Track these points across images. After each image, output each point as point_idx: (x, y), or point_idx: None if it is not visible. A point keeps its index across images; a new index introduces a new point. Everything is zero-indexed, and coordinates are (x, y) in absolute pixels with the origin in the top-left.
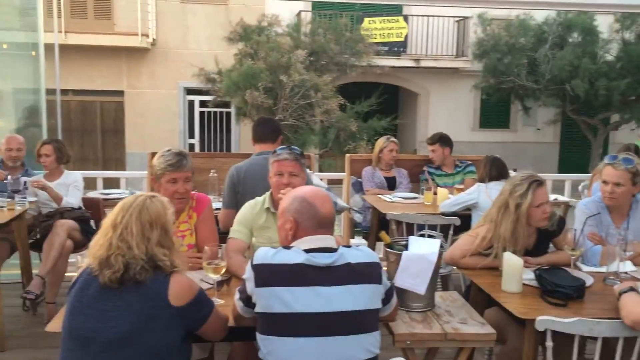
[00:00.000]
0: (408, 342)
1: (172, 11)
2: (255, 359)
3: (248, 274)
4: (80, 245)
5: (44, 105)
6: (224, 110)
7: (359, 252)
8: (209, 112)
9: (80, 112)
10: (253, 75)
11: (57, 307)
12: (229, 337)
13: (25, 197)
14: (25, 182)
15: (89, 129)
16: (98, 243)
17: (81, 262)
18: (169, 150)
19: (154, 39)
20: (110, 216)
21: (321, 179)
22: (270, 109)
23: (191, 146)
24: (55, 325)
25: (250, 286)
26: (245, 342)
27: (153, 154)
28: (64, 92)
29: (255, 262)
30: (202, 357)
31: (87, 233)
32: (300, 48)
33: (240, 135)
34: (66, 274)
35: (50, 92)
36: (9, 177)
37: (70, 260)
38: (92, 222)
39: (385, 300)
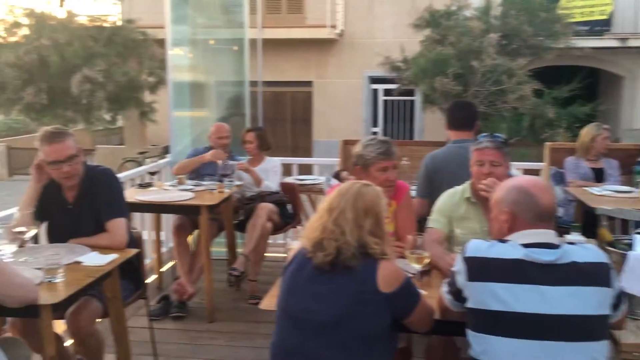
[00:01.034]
0: (635, 353)
1: (360, 2)
2: (453, 354)
3: (459, 267)
4: (278, 228)
5: (247, 96)
6: (408, 98)
7: (586, 250)
8: (393, 101)
9: (272, 102)
10: (442, 62)
11: (258, 285)
12: (433, 330)
13: (232, 181)
14: (233, 167)
15: (280, 118)
16: (313, 225)
17: (291, 243)
18: (374, 139)
19: (341, 30)
20: (327, 200)
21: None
22: (460, 96)
23: (374, 134)
24: (268, 303)
25: (461, 279)
26: (445, 336)
27: (346, 142)
28: (256, 83)
29: (467, 255)
30: (400, 346)
31: (285, 216)
32: (491, 31)
33: (424, 124)
34: (265, 254)
35: (243, 84)
36: (220, 161)
37: (268, 241)
38: (288, 206)
39: (615, 306)
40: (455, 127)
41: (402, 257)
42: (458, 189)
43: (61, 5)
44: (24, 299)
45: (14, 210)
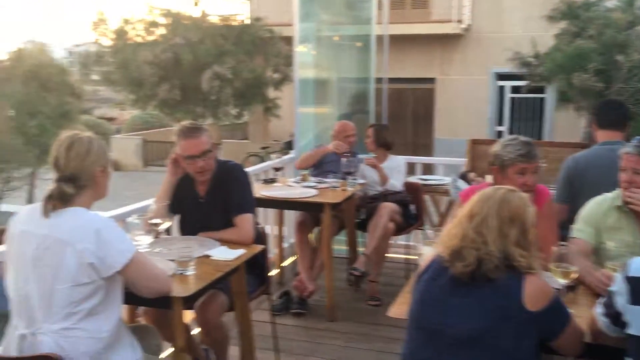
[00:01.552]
0: None
1: None
2: None
3: (619, 287)
4: (400, 228)
5: (372, 93)
6: (538, 96)
7: None
8: (520, 99)
9: (393, 99)
10: (582, 56)
11: (379, 286)
12: (584, 354)
13: (355, 179)
14: (357, 164)
15: (400, 116)
16: (451, 232)
17: (422, 249)
18: (515, 139)
19: (468, 25)
20: (467, 206)
21: None
22: (601, 93)
23: (499, 133)
24: (397, 310)
25: (621, 301)
26: None
27: (474, 141)
28: (380, 80)
29: (631, 274)
30: None
31: (407, 217)
32: (636, 23)
33: (555, 123)
34: (386, 255)
35: (368, 80)
36: (343, 159)
37: (390, 242)
38: (411, 207)
39: None
40: (605, 126)
41: (546, 269)
42: (608, 196)
43: (196, 5)
44: (158, 290)
45: (150, 202)
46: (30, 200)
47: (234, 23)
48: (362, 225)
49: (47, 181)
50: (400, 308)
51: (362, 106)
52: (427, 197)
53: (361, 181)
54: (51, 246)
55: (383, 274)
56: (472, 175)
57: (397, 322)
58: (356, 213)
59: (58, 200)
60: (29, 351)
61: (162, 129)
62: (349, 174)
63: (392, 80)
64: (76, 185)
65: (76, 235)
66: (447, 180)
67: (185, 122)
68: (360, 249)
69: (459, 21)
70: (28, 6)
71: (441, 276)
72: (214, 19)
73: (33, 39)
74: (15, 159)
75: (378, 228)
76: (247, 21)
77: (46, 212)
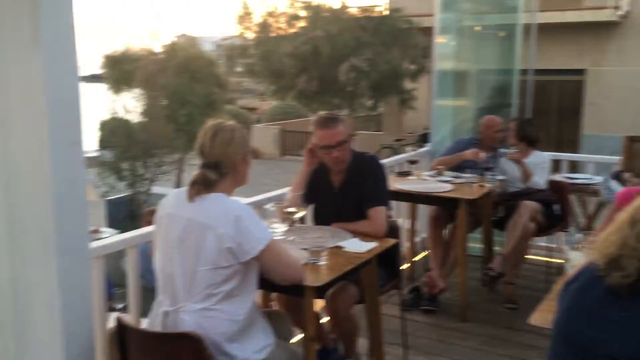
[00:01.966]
0: None
1: None
2: None
3: None
4: (542, 229)
5: (515, 85)
6: None
7: None
8: None
9: (536, 92)
10: None
11: (515, 288)
12: None
13: (495, 175)
14: (497, 159)
15: (544, 109)
16: (609, 238)
17: (569, 254)
18: None
19: (626, 12)
20: (629, 210)
21: None
22: None
23: None
24: (540, 318)
25: None
26: None
27: (632, 138)
28: (525, 71)
29: None
30: None
31: (550, 217)
32: None
33: None
34: (526, 257)
35: (512, 72)
36: (481, 154)
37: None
38: (555, 207)
39: None
40: None
41: None
42: None
43: None
44: (291, 278)
45: (285, 190)
46: (178, 183)
47: (372, 14)
48: (500, 224)
49: (193, 166)
50: (543, 316)
51: (503, 99)
52: (573, 197)
53: (501, 177)
54: (194, 229)
55: (521, 276)
56: (627, 175)
57: (535, 328)
58: (494, 210)
59: (202, 186)
60: (172, 327)
61: (299, 119)
62: (488, 169)
63: (536, 71)
64: (219, 172)
65: (217, 220)
66: (597, 179)
67: (323, 113)
68: (497, 248)
69: (616, 7)
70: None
71: (594, 286)
72: (353, 10)
73: (185, 33)
74: (166, 145)
75: (517, 227)
76: (386, 12)
77: (191, 197)
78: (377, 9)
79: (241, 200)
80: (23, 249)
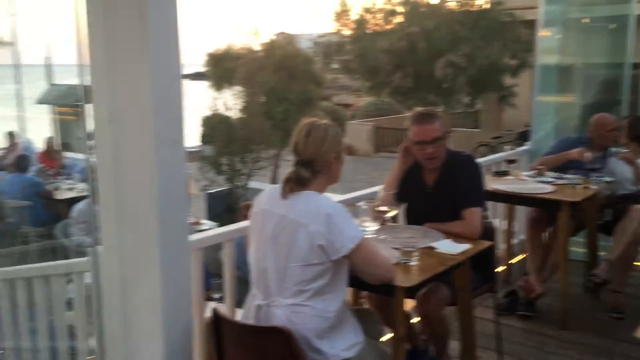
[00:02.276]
0: None
1: None
2: None
3: None
4: None
5: (627, 80)
6: None
7: None
8: None
9: None
10: None
11: (622, 298)
12: None
13: (601, 176)
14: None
15: None
16: None
17: None
18: None
19: None
20: None
21: None
22: None
23: None
24: None
25: None
26: None
27: None
28: (637, 66)
29: None
30: None
31: None
32: None
33: None
34: (635, 264)
35: (622, 66)
36: (587, 154)
37: None
38: None
39: None
40: None
41: None
42: None
43: None
44: (382, 277)
45: (377, 188)
46: (274, 179)
47: (472, 8)
48: (606, 228)
49: (289, 162)
50: None
51: (612, 95)
52: None
53: (608, 179)
54: (287, 226)
55: (628, 285)
56: None
57: None
58: (600, 214)
59: (295, 183)
60: (264, 321)
61: (393, 116)
62: (594, 170)
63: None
64: (312, 170)
65: (309, 218)
66: None
67: (420, 108)
68: (602, 254)
69: None
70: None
71: None
72: (452, 5)
73: (283, 31)
74: (263, 141)
75: (627, 232)
76: (487, 5)
77: (284, 194)
78: (477, 2)
79: (333, 198)
80: (129, 243)
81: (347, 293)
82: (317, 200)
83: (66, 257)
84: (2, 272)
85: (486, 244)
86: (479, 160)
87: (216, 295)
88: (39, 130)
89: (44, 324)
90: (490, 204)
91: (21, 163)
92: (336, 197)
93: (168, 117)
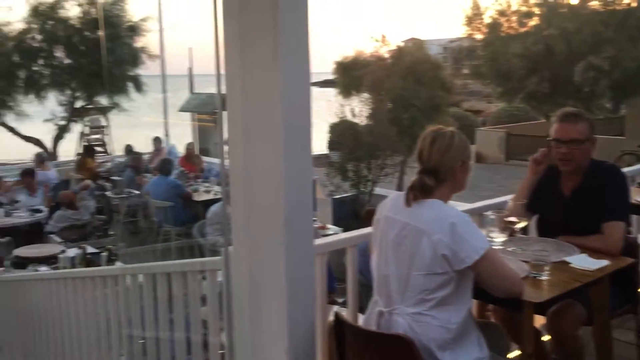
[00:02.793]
0: None
1: None
2: None
3: None
4: None
5: None
6: None
7: None
8: None
9: None
10: None
11: None
12: None
13: None
14: None
15: None
16: None
17: None
18: None
19: None
20: None
21: None
22: None
23: None
24: None
25: None
26: None
27: None
28: None
29: None
30: None
31: None
32: None
33: None
34: None
35: None
36: None
37: None
38: None
39: None
40: None
41: None
42: None
43: None
44: (509, 290)
45: (506, 198)
46: (399, 186)
47: (618, 7)
48: None
49: (415, 169)
50: None
51: None
52: None
53: None
54: (410, 234)
55: None
56: None
57: None
58: None
59: (419, 191)
60: (385, 328)
61: (527, 123)
62: None
63: None
64: (436, 178)
65: (432, 226)
66: None
67: (570, 108)
68: None
69: None
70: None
71: None
72: (594, 4)
73: (413, 36)
74: (390, 147)
75: None
76: (634, 4)
77: (408, 201)
78: (624, 0)
79: (459, 207)
80: (257, 244)
81: (472, 305)
82: (441, 209)
83: (202, 255)
84: (145, 267)
85: (628, 261)
86: (624, 170)
87: (339, 299)
88: (181, 136)
89: (181, 317)
90: (634, 219)
91: (165, 166)
92: (462, 206)
93: (297, 123)
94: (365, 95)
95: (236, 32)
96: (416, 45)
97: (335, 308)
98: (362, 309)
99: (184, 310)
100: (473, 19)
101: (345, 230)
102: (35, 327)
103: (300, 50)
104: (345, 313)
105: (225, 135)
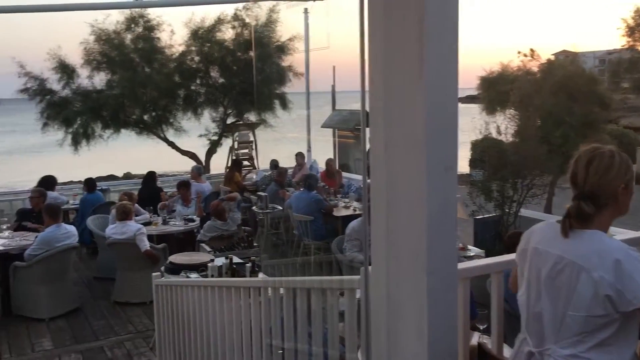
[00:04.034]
0: None
1: None
2: None
3: None
4: None
5: None
6: None
7: None
8: None
9: None
10: None
11: None
12: None
13: None
14: None
15: None
16: None
17: None
18: None
19: None
20: None
21: None
22: None
23: None
24: None
25: None
26: None
27: None
28: None
29: None
30: None
31: None
32: None
33: None
34: None
35: None
36: None
37: None
38: None
39: None
40: None
41: None
42: None
43: None
44: None
45: None
46: (548, 208)
47: None
48: None
49: (565, 190)
50: None
51: None
52: None
53: None
54: (565, 268)
55: None
56: None
57: None
58: None
59: (576, 220)
60: None
61: None
62: None
63: None
64: (595, 204)
65: (592, 262)
66: None
67: None
68: None
69: None
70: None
71: None
72: None
73: (565, 48)
74: (538, 166)
75: None
76: None
77: (564, 231)
78: None
79: (620, 235)
80: (397, 264)
81: (637, 347)
82: (603, 242)
83: (339, 270)
84: (286, 280)
85: None
86: None
87: (481, 326)
88: (322, 151)
89: (319, 332)
90: None
91: (309, 181)
92: (623, 233)
93: (442, 142)
94: (512, 111)
95: (381, 48)
96: (569, 58)
97: (477, 335)
98: (506, 338)
99: (322, 325)
100: (636, 28)
101: (487, 252)
102: (186, 328)
103: (447, 65)
104: (488, 342)
105: (367, 151)
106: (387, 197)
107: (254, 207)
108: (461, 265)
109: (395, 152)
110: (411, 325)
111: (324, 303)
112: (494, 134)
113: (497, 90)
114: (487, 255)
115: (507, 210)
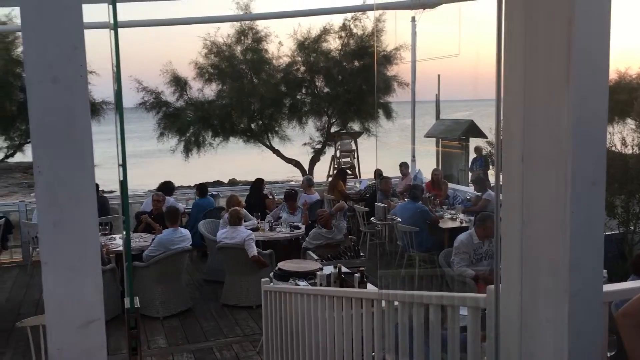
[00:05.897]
0: None
1: None
2: None
3: None
4: None
5: None
6: None
7: None
8: None
9: None
10: None
11: None
12: None
13: None
14: None
15: None
16: None
17: None
18: None
19: None
20: None
21: None
22: None
23: None
24: None
25: None
26: None
27: None
28: None
29: None
30: None
31: None
32: None
33: None
34: None
35: None
36: None
37: None
38: None
39: None
40: None
41: None
42: None
43: None
44: None
45: None
46: None
47: None
48: None
49: None
50: None
51: None
52: None
53: None
54: None
55: None
56: None
57: None
58: None
59: None
60: None
61: None
62: None
63: None
64: None
65: None
66: None
67: None
68: None
69: None
70: None
71: None
72: None
73: None
74: None
75: None
76: None
77: None
78: None
79: None
80: (530, 283)
81: None
82: None
83: (446, 284)
84: (401, 294)
85: None
86: None
87: (609, 353)
88: (424, 161)
89: (437, 348)
90: None
91: (415, 192)
92: None
93: (590, 154)
94: (634, 122)
95: (521, 53)
96: None
97: None
98: None
99: (441, 343)
100: None
101: (609, 272)
102: (293, 335)
103: (596, 75)
104: None
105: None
106: (522, 212)
107: (372, 218)
108: (606, 288)
109: (533, 164)
110: (548, 352)
111: (443, 319)
112: (619, 146)
113: (614, 99)
114: (610, 276)
115: (632, 228)
